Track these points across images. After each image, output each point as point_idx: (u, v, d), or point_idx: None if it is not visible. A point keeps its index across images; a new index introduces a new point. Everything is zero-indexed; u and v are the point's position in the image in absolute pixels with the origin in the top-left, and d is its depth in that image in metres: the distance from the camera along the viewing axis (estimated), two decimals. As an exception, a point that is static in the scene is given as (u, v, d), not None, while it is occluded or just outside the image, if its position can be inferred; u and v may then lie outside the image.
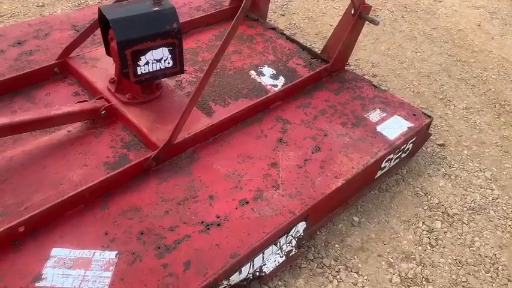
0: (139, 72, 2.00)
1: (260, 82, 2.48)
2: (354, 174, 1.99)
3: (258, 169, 1.96)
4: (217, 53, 1.86)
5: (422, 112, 2.39)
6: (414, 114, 2.37)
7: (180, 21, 1.99)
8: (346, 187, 1.98)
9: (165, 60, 2.05)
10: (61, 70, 2.32)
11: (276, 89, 2.39)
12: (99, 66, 2.31)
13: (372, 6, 2.45)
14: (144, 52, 1.96)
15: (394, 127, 2.27)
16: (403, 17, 3.93)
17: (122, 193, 1.79)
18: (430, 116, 2.38)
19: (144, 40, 1.93)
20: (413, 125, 2.30)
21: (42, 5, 3.50)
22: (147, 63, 2.00)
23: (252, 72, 2.54)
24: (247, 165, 1.98)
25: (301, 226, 1.86)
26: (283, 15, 3.76)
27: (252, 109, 2.21)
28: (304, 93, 2.42)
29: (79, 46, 2.32)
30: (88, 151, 1.95)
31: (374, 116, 2.33)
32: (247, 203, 1.81)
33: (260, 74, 2.54)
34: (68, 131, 2.03)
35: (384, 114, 2.35)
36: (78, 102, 2.11)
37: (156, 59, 2.02)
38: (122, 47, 1.89)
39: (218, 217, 1.75)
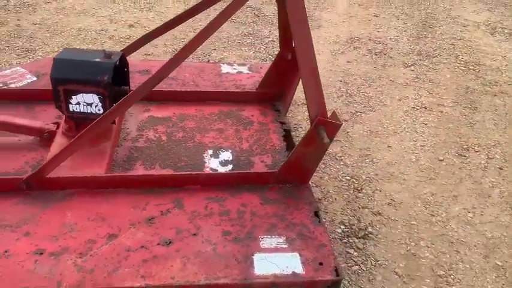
0: (71, 109, 2.24)
1: (205, 162, 2.37)
2: (166, 284, 1.69)
3: (94, 232, 1.89)
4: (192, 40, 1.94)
5: (335, 268, 1.82)
6: (321, 264, 1.84)
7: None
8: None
9: (95, 106, 2.23)
10: None
11: (201, 173, 2.24)
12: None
13: (339, 125, 2.06)
14: (75, 93, 2.19)
15: (277, 263, 1.82)
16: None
17: None
18: (338, 275, 1.79)
19: (75, 82, 2.17)
20: (303, 273, 1.79)
21: None
22: (78, 103, 2.22)
23: (209, 151, 2.45)
24: (90, 224, 1.93)
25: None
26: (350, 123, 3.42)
27: (157, 180, 2.15)
28: (232, 188, 2.19)
29: None
30: (6, 158, 2.26)
31: (270, 241, 1.92)
32: (42, 254, 1.77)
33: (214, 155, 2.42)
34: (19, 140, 2.41)
35: (284, 246, 1.90)
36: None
37: (86, 102, 2.22)
38: (54, 82, 2.17)
39: (5, 251, 1.77)
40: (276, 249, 1.89)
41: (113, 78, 2.17)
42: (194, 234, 1.93)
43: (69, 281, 1.67)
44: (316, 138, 2.07)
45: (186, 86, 3.02)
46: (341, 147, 3.27)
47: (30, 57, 3.97)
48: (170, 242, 1.88)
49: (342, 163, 3.11)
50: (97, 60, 2.19)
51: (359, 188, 2.91)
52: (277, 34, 2.83)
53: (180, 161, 2.37)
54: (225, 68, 3.29)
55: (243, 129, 2.67)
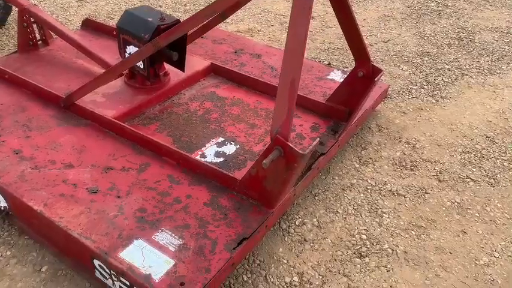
0: (125, 55, 2.52)
1: (204, 146, 2.29)
2: (53, 220, 1.79)
3: (63, 157, 2.13)
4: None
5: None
6: (182, 284, 1.58)
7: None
8: None
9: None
10: None
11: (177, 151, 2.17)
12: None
13: (300, 156, 1.66)
14: (128, 43, 2.45)
15: (146, 258, 1.66)
16: None
17: None
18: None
19: (128, 34, 2.41)
20: (155, 281, 1.58)
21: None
22: (130, 53, 2.47)
23: (220, 139, 2.34)
24: (69, 150, 2.18)
25: None
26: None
27: (144, 141, 2.22)
28: (198, 178, 2.06)
29: None
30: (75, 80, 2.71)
31: (165, 237, 1.76)
32: (16, 153, 2.13)
33: (219, 144, 2.31)
34: None
35: (170, 249, 1.71)
36: None
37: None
38: (118, 30, 2.47)
39: (2, 141, 2.20)
40: (160, 247, 1.72)
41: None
42: (118, 197, 1.95)
43: (5, 178, 1.99)
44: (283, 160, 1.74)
45: (277, 77, 2.91)
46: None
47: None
48: (95, 192, 1.96)
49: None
50: (148, 19, 2.37)
51: None
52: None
53: (187, 136, 2.36)
54: (334, 75, 2.99)
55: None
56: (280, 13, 4.48)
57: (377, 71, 2.29)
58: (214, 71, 2.92)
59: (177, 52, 2.47)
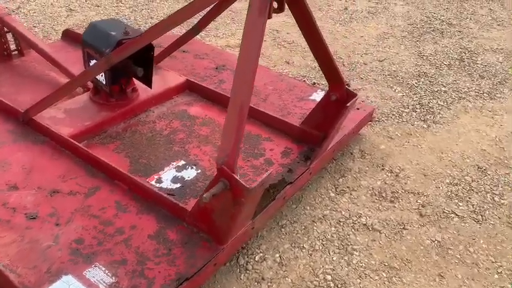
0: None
1: (161, 170, 2.13)
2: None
3: (9, 177, 1.99)
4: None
5: None
6: None
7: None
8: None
9: (101, 74, 2.31)
10: None
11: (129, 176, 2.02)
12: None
13: (246, 190, 1.49)
14: (91, 57, 2.32)
15: None
16: None
17: None
18: None
19: (90, 48, 2.29)
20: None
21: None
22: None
23: (180, 162, 2.18)
24: (18, 170, 2.04)
25: None
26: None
27: (96, 163, 2.07)
28: (148, 206, 1.90)
29: None
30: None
31: (97, 274, 1.60)
32: None
33: (179, 168, 2.15)
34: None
35: (100, 287, 1.55)
36: None
37: (96, 67, 2.32)
38: (82, 43, 2.34)
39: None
40: (90, 285, 1.56)
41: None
42: (57, 224, 1.79)
43: None
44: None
45: (256, 95, 2.75)
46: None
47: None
48: (33, 218, 1.81)
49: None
50: (111, 33, 2.23)
51: None
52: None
53: (146, 158, 2.21)
54: (317, 95, 2.81)
55: (245, 158, 2.25)
56: (274, 28, 4.34)
57: (351, 96, 2.12)
58: (190, 87, 2.77)
59: (142, 68, 2.33)
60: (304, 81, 3.38)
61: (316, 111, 2.29)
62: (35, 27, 3.92)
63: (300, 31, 1.98)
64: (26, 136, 2.26)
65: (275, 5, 1.66)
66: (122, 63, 2.21)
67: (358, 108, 2.73)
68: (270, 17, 1.60)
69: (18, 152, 2.16)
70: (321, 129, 2.28)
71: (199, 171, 2.15)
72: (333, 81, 2.11)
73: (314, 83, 3.35)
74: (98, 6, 4.44)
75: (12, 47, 2.99)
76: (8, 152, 2.15)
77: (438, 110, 3.21)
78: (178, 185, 2.06)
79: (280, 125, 2.45)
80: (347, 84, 2.10)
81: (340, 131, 2.48)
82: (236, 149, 1.53)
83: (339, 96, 2.12)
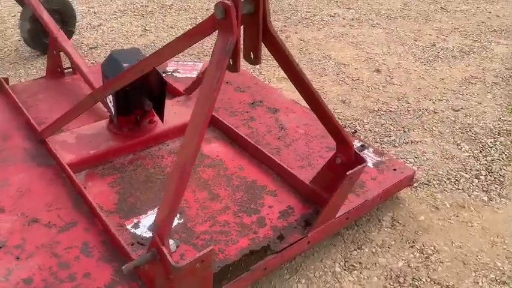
0: (105, 101, 2.37)
1: (145, 214, 1.99)
2: None
3: (1, 198, 2.02)
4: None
5: None
6: None
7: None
8: None
9: (110, 102, 2.27)
10: None
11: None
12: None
13: (175, 269, 1.27)
14: (108, 86, 2.30)
15: None
16: None
17: None
18: None
19: (105, 78, 2.27)
20: None
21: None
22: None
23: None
24: (12, 192, 2.06)
25: None
26: None
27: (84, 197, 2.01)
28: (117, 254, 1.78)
29: None
30: None
31: None
32: None
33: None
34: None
35: None
36: None
37: (109, 99, 2.28)
38: (102, 72, 2.33)
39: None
40: None
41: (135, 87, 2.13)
42: (17, 258, 1.75)
43: None
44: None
45: (281, 139, 2.51)
46: None
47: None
48: (0, 247, 1.79)
49: None
50: (124, 64, 2.18)
51: None
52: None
53: (135, 197, 2.09)
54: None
55: (237, 213, 2.02)
56: (342, 62, 4.02)
57: (359, 161, 1.78)
58: (214, 123, 2.63)
59: (151, 102, 2.25)
60: (345, 127, 3.02)
61: (325, 170, 1.99)
62: (106, 44, 4.12)
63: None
64: (36, 157, 2.30)
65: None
66: (134, 94, 2.16)
67: (395, 169, 2.33)
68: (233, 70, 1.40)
69: (21, 172, 2.20)
70: (329, 191, 1.96)
71: (181, 221, 1.98)
72: (338, 142, 1.80)
73: (355, 132, 2.98)
74: (172, 28, 4.55)
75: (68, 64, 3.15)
76: (12, 171, 2.20)
77: (510, 181, 2.63)
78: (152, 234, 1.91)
79: (290, 179, 2.17)
80: (354, 131, 1.77)
81: (362, 194, 2.14)
82: (171, 217, 1.33)
83: (345, 160, 1.79)
